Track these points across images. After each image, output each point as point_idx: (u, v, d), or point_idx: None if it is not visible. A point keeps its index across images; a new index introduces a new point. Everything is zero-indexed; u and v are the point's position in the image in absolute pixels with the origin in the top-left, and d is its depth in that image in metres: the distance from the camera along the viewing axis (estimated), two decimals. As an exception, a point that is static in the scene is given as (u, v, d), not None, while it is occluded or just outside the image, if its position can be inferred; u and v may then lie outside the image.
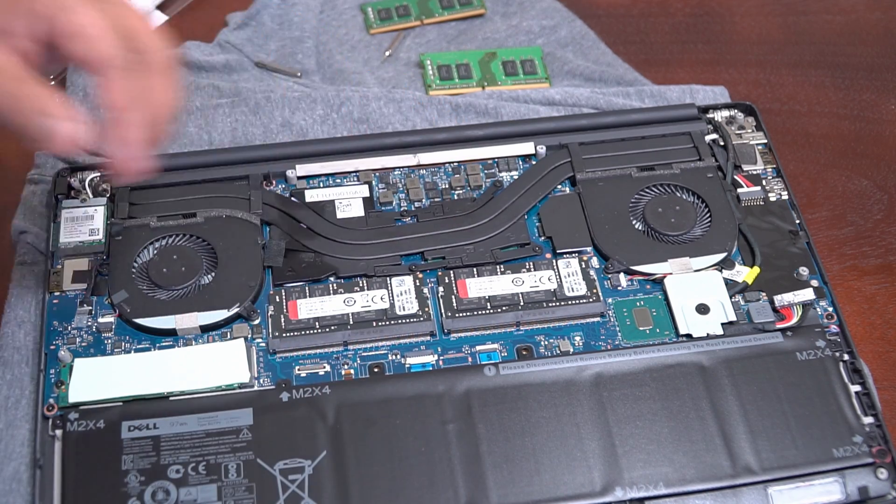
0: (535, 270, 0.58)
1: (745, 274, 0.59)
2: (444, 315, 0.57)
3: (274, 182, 0.63)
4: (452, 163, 0.64)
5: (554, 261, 0.59)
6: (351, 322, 0.56)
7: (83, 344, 0.56)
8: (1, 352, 0.57)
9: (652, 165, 0.64)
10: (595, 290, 0.58)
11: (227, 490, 0.50)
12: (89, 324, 0.57)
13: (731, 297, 0.58)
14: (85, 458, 0.51)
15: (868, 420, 0.53)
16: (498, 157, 0.65)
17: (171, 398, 0.53)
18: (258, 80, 0.72)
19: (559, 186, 0.63)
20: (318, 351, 0.56)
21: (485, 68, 0.72)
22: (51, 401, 0.53)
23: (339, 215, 0.62)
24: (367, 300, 0.57)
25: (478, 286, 0.58)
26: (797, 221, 0.62)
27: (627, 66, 0.73)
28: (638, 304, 0.58)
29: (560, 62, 0.73)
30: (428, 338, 0.57)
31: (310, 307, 0.57)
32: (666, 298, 0.58)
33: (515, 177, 0.64)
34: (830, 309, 0.58)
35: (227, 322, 0.57)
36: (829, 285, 0.59)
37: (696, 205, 0.62)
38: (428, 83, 0.71)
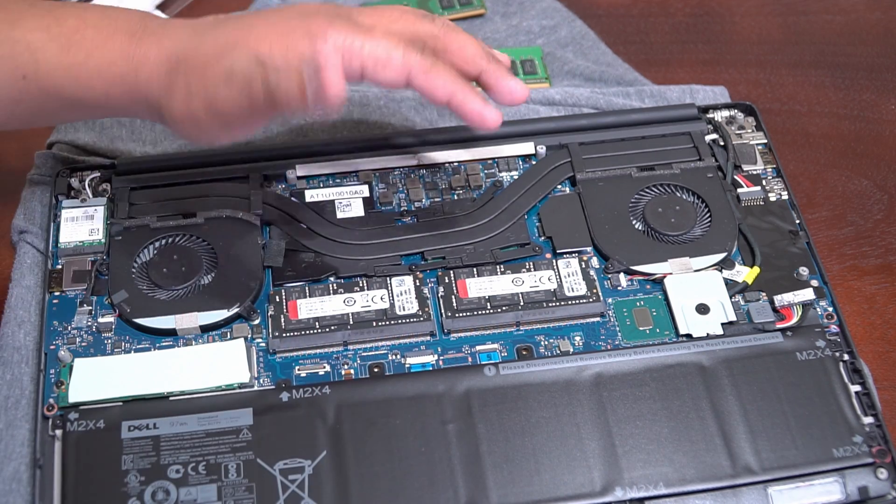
0: (535, 270, 0.58)
1: (745, 274, 0.59)
2: (444, 315, 0.57)
3: (274, 182, 0.63)
4: (452, 163, 0.64)
5: (554, 261, 0.59)
6: (351, 322, 0.56)
7: (83, 344, 0.56)
8: (1, 352, 0.56)
9: (652, 165, 0.64)
10: (595, 290, 0.58)
11: (227, 490, 0.50)
12: (89, 324, 0.57)
13: (731, 297, 0.58)
14: (85, 458, 0.51)
15: (868, 420, 0.53)
16: (498, 157, 0.65)
17: (171, 398, 0.53)
18: (258, 80, 0.71)
19: (559, 186, 0.63)
20: (318, 351, 0.56)
21: (485, 68, 0.72)
22: (51, 401, 0.53)
23: (339, 215, 0.62)
24: (367, 300, 0.57)
25: (478, 286, 0.58)
26: (797, 221, 0.62)
27: (627, 66, 0.73)
28: (638, 304, 0.58)
29: (560, 62, 0.73)
30: (428, 338, 0.57)
31: (310, 307, 0.57)
32: (666, 298, 0.58)
33: (515, 177, 0.64)
34: (830, 309, 0.58)
35: (227, 322, 0.57)
36: (829, 285, 0.59)
37: (696, 205, 0.62)
38: (428, 83, 0.71)
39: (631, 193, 0.62)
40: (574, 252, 0.60)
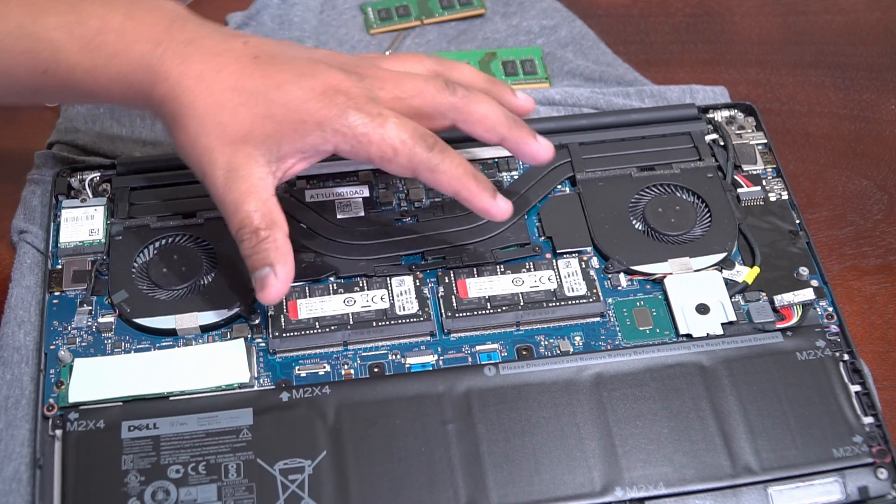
0: (535, 270, 0.58)
1: (745, 274, 0.59)
2: (444, 315, 0.57)
3: (274, 182, 0.63)
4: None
5: (554, 261, 0.59)
6: (351, 322, 0.56)
7: (83, 344, 0.56)
8: (1, 352, 0.56)
9: (652, 165, 0.64)
10: (595, 290, 0.58)
11: (227, 490, 0.50)
12: (89, 324, 0.57)
13: (731, 297, 0.58)
14: (85, 458, 0.51)
15: (868, 420, 0.53)
16: (498, 157, 0.65)
17: (171, 398, 0.53)
18: (258, 80, 0.71)
19: (559, 186, 0.63)
20: (318, 351, 0.56)
21: (485, 68, 0.72)
22: (51, 401, 0.53)
23: (339, 215, 0.62)
24: (367, 300, 0.57)
25: (478, 286, 0.58)
26: (797, 221, 0.62)
27: (627, 66, 0.73)
28: (638, 304, 0.58)
29: (560, 62, 0.73)
30: (428, 338, 0.57)
31: (310, 307, 0.57)
32: (666, 298, 0.58)
33: (515, 177, 0.64)
34: (830, 309, 0.58)
35: (227, 322, 0.57)
36: (829, 285, 0.59)
37: (696, 205, 0.62)
38: (428, 83, 0.71)
39: (631, 193, 0.62)
40: (574, 252, 0.60)
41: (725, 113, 0.67)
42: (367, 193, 0.63)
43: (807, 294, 0.58)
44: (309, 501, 0.50)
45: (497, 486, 0.51)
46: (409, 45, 0.74)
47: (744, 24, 0.77)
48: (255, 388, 0.54)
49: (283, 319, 0.56)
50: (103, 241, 0.60)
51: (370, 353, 0.56)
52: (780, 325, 0.57)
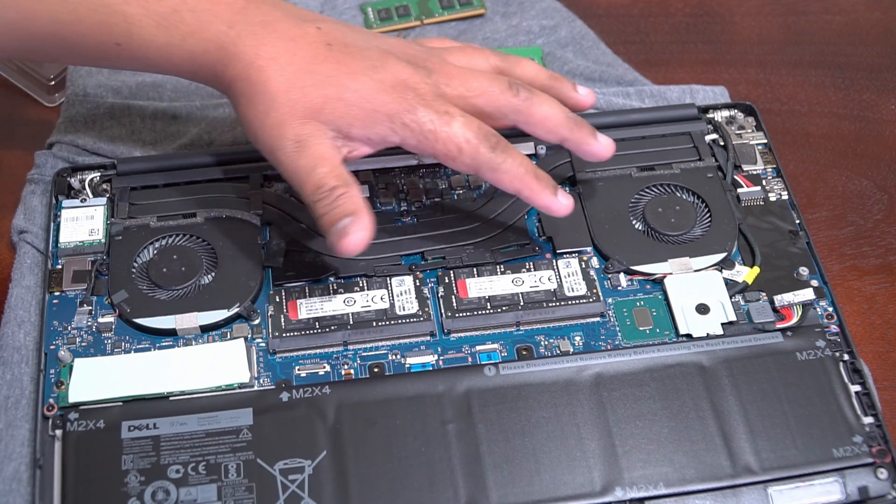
0: (535, 270, 0.58)
1: (745, 274, 0.59)
2: (444, 315, 0.57)
3: (274, 182, 0.63)
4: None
5: (554, 261, 0.59)
6: (351, 322, 0.56)
7: (83, 344, 0.56)
8: (1, 352, 0.57)
9: (652, 165, 0.64)
10: (595, 290, 0.58)
11: (227, 490, 0.50)
12: (89, 324, 0.57)
13: (731, 297, 0.58)
14: (85, 458, 0.51)
15: (868, 420, 0.53)
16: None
17: (171, 398, 0.53)
18: (258, 80, 0.71)
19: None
20: (318, 351, 0.56)
21: (485, 68, 0.72)
22: (51, 401, 0.53)
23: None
24: (367, 300, 0.57)
25: (478, 286, 0.58)
26: (797, 221, 0.62)
27: (627, 66, 0.73)
28: (638, 304, 0.58)
29: (560, 62, 0.73)
30: (428, 338, 0.57)
31: (310, 307, 0.57)
32: (666, 298, 0.58)
33: (515, 177, 0.64)
34: (830, 309, 0.58)
35: (227, 322, 0.57)
36: (829, 285, 0.59)
37: (696, 205, 0.62)
38: (428, 83, 0.71)
39: (631, 193, 0.62)
40: (574, 252, 0.60)
41: (725, 113, 0.67)
42: (367, 193, 0.63)
43: (807, 294, 0.58)
44: (309, 501, 0.50)
45: (497, 486, 0.51)
46: (409, 45, 0.74)
47: (744, 24, 0.77)
48: (255, 388, 0.54)
49: (283, 319, 0.56)
50: (103, 241, 0.60)
51: (370, 353, 0.56)
52: (780, 325, 0.57)
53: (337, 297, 0.57)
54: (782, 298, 0.58)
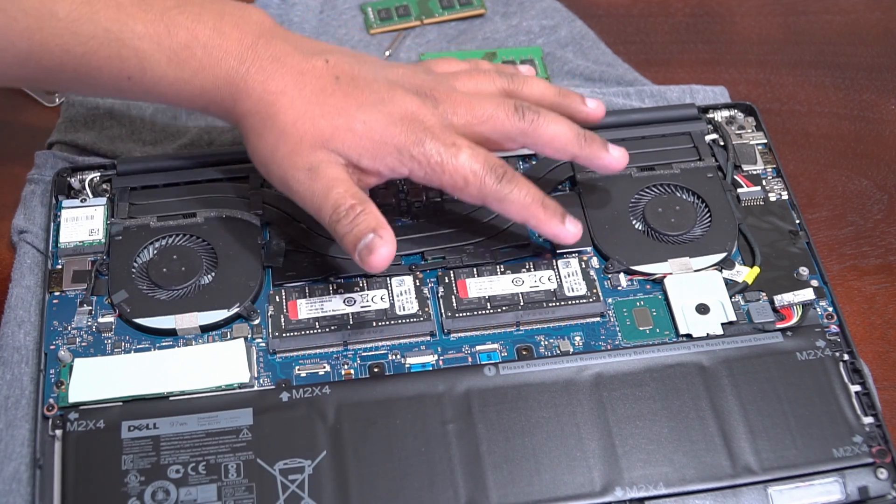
0: (535, 270, 0.58)
1: (745, 274, 0.59)
2: (444, 315, 0.57)
3: (274, 182, 0.63)
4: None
5: (554, 261, 0.59)
6: (351, 322, 0.56)
7: (83, 344, 0.56)
8: (1, 352, 0.56)
9: (652, 165, 0.64)
10: (595, 290, 0.58)
11: (227, 490, 0.50)
12: (89, 324, 0.57)
13: (731, 297, 0.58)
14: (85, 458, 0.51)
15: (868, 420, 0.53)
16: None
17: (171, 398, 0.53)
18: (258, 80, 0.71)
19: (559, 186, 0.63)
20: (318, 351, 0.56)
21: (485, 68, 0.72)
22: (51, 401, 0.53)
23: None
24: (367, 300, 0.57)
25: (478, 286, 0.58)
26: (797, 221, 0.62)
27: (627, 66, 0.73)
28: (638, 304, 0.58)
29: (560, 62, 0.73)
30: (428, 338, 0.57)
31: (310, 307, 0.57)
32: (666, 298, 0.58)
33: (515, 177, 0.64)
34: (830, 309, 0.58)
35: (227, 322, 0.57)
36: (829, 285, 0.59)
37: (696, 205, 0.62)
38: (428, 83, 0.71)
39: (631, 193, 0.62)
40: (574, 252, 0.60)
41: (725, 113, 0.67)
42: (367, 193, 0.63)
43: (807, 294, 0.58)
44: (309, 501, 0.50)
45: (497, 486, 0.51)
46: (408, 45, 0.74)
47: (744, 24, 0.77)
48: (255, 388, 0.54)
49: (283, 319, 0.56)
50: (103, 241, 0.60)
51: (370, 353, 0.56)
52: (780, 325, 0.57)
53: (337, 297, 0.57)
54: (782, 298, 0.58)
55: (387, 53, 0.74)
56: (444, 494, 0.50)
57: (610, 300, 0.58)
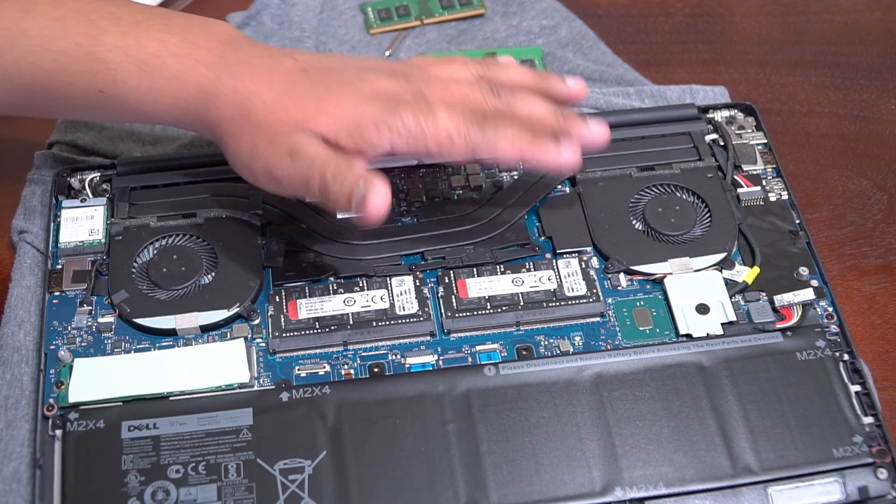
0: (535, 270, 0.58)
1: (745, 274, 0.59)
2: (444, 315, 0.57)
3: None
4: (452, 163, 0.64)
5: (554, 261, 0.59)
6: (351, 322, 0.56)
7: (83, 344, 0.56)
8: (1, 352, 0.56)
9: (652, 165, 0.64)
10: (595, 290, 0.58)
11: (227, 490, 0.50)
12: (89, 324, 0.57)
13: (731, 297, 0.58)
14: (85, 458, 0.51)
15: (868, 420, 0.53)
16: (498, 157, 0.65)
17: (171, 398, 0.53)
18: (258, 80, 0.71)
19: (559, 186, 0.63)
20: (318, 351, 0.56)
21: (485, 68, 0.72)
22: (51, 401, 0.53)
23: (339, 215, 0.61)
24: (367, 300, 0.57)
25: (478, 286, 0.58)
26: (797, 221, 0.62)
27: (627, 66, 0.73)
28: (638, 304, 0.58)
29: (560, 62, 0.73)
30: (428, 338, 0.57)
31: (310, 307, 0.57)
32: (666, 298, 0.58)
33: (515, 177, 0.64)
34: (830, 309, 0.58)
35: (227, 322, 0.57)
36: (829, 285, 0.59)
37: (696, 205, 0.62)
38: (428, 83, 0.71)
39: (631, 193, 0.62)
40: (574, 252, 0.60)
41: (725, 113, 0.67)
42: (367, 193, 0.63)
43: (807, 294, 0.58)
44: (309, 501, 0.50)
45: (497, 486, 0.51)
46: (409, 44, 0.74)
47: (744, 24, 0.77)
48: (255, 388, 0.54)
49: (283, 319, 0.56)
50: (103, 241, 0.60)
51: (370, 353, 0.56)
52: (780, 325, 0.57)
53: (337, 297, 0.57)
54: (782, 298, 0.58)
55: (387, 53, 0.74)
56: (444, 494, 0.50)
57: (610, 300, 0.58)
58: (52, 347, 0.56)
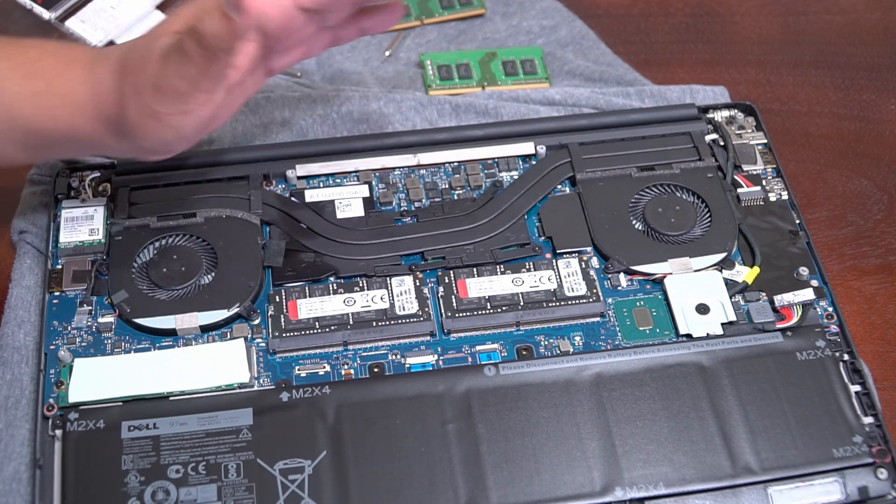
0: (535, 270, 0.58)
1: (745, 274, 0.59)
2: (444, 315, 0.57)
3: (274, 182, 0.63)
4: (452, 163, 0.64)
5: (554, 261, 0.59)
6: (351, 322, 0.56)
7: (83, 344, 0.56)
8: (1, 352, 0.56)
9: (652, 165, 0.64)
10: (595, 290, 0.58)
11: (227, 490, 0.50)
12: (89, 324, 0.57)
13: (731, 297, 0.58)
14: (85, 458, 0.51)
15: (868, 420, 0.53)
16: (498, 157, 0.65)
17: (171, 398, 0.53)
18: (258, 80, 0.71)
19: (559, 186, 0.63)
20: (318, 351, 0.56)
21: (485, 68, 0.72)
22: (51, 401, 0.53)
23: (339, 215, 0.62)
24: (367, 300, 0.57)
25: (478, 286, 0.58)
26: (797, 221, 0.62)
27: (627, 66, 0.73)
28: (638, 304, 0.58)
29: (560, 62, 0.73)
30: (428, 338, 0.57)
31: (310, 307, 0.57)
32: (666, 298, 0.58)
33: (515, 177, 0.64)
34: (830, 309, 0.58)
35: (227, 322, 0.57)
36: (829, 285, 0.59)
37: (696, 205, 0.62)
38: (428, 83, 0.71)
39: (631, 193, 0.62)
40: (574, 252, 0.60)
41: (725, 113, 0.67)
42: (367, 193, 0.63)
43: (807, 294, 0.58)
44: (309, 501, 0.50)
45: (497, 486, 0.51)
46: (409, 45, 0.74)
47: (744, 24, 0.77)
48: (255, 388, 0.54)
49: (283, 319, 0.56)
50: (103, 241, 0.60)
51: (370, 353, 0.56)
52: (780, 325, 0.57)
53: (337, 297, 0.57)
54: (782, 298, 0.58)
55: (387, 53, 0.74)
56: (444, 494, 0.50)
57: (610, 300, 0.58)
58: (52, 347, 0.56)
